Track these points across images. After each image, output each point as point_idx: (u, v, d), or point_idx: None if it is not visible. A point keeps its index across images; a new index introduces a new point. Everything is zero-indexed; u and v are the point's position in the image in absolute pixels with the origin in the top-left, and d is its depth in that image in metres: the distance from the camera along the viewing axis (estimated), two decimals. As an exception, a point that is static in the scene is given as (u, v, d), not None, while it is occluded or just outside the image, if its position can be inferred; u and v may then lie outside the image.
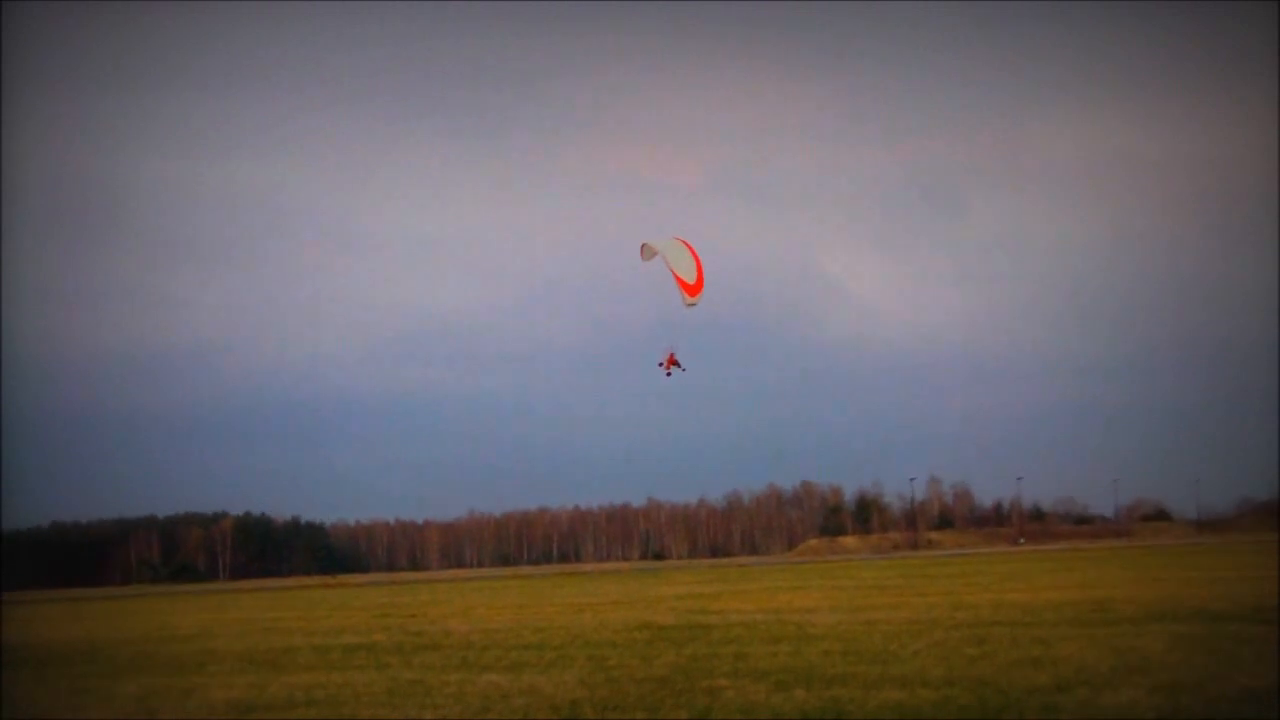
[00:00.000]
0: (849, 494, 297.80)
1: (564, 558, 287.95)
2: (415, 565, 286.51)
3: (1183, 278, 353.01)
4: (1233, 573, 55.89)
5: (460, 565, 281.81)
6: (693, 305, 35.89)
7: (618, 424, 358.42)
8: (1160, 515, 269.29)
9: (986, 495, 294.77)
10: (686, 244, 36.33)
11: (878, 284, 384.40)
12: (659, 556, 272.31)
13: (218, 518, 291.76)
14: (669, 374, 40.87)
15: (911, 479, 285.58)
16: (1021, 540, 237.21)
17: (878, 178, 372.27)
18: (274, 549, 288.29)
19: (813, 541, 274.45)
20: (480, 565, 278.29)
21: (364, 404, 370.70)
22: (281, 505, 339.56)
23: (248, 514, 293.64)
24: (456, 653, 29.61)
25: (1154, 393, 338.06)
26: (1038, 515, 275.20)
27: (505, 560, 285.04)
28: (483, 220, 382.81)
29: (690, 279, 35.63)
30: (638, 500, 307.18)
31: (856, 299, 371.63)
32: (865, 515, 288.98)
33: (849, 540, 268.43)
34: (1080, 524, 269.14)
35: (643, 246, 37.14)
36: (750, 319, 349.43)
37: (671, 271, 35.94)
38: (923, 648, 25.27)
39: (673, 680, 21.67)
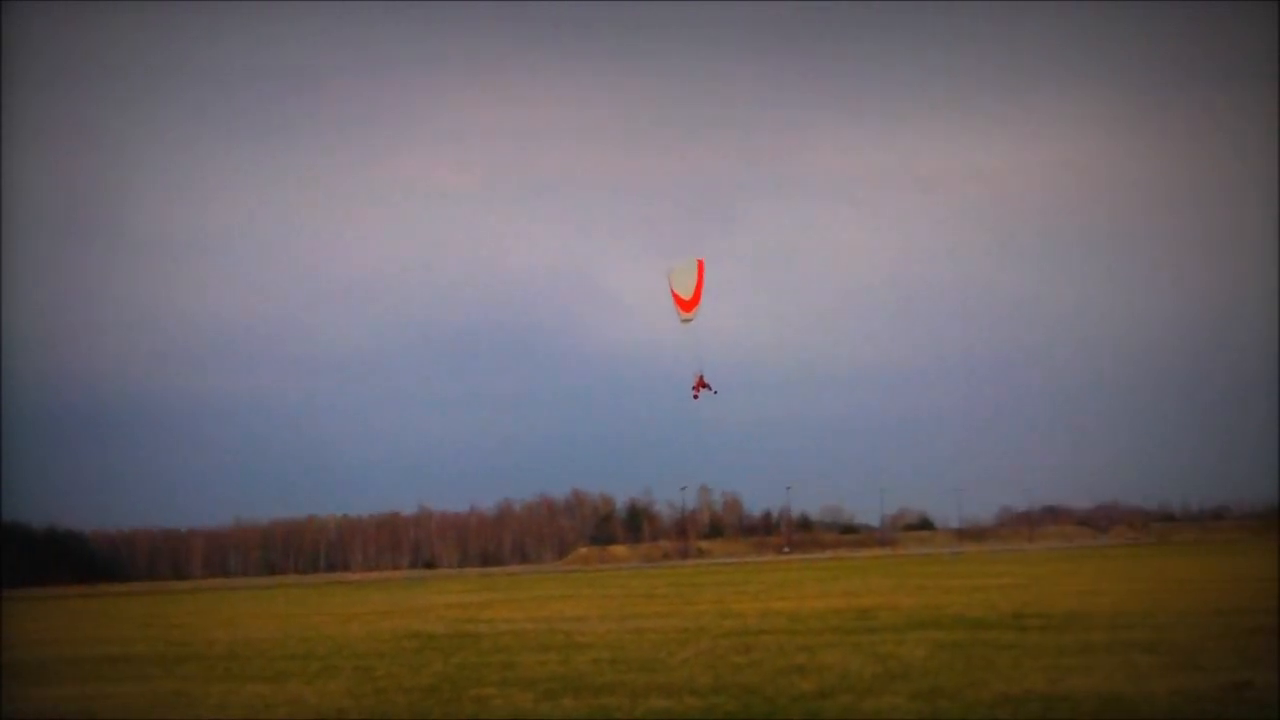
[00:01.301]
0: (620, 503, 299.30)
1: (332, 567, 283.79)
2: (178, 574, 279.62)
3: (959, 289, 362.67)
4: (992, 580, 57.51)
5: (225, 574, 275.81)
6: (687, 321, 36.14)
7: (388, 431, 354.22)
8: (924, 524, 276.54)
9: (756, 505, 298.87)
10: (700, 264, 36.56)
11: (652, 293, 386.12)
12: (429, 565, 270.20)
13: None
14: (696, 397, 39.92)
15: (682, 488, 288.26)
16: (786, 549, 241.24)
17: (655, 186, 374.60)
18: (30, 558, 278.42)
19: (583, 550, 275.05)
20: (246, 574, 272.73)
21: (126, 409, 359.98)
22: (38, 512, 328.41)
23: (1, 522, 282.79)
24: (220, 663, 29.01)
25: (918, 404, 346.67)
26: (805, 524, 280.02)
27: (271, 569, 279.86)
28: (252, 221, 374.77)
29: (686, 295, 35.92)
30: (408, 508, 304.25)
31: (631, 307, 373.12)
32: (636, 524, 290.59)
33: (619, 549, 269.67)
34: (847, 533, 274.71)
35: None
36: (523, 326, 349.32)
37: (671, 288, 36.18)
38: (690, 656, 25.39)
39: (440, 689, 21.50)
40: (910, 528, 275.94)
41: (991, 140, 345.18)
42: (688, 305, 35.99)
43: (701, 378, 39.99)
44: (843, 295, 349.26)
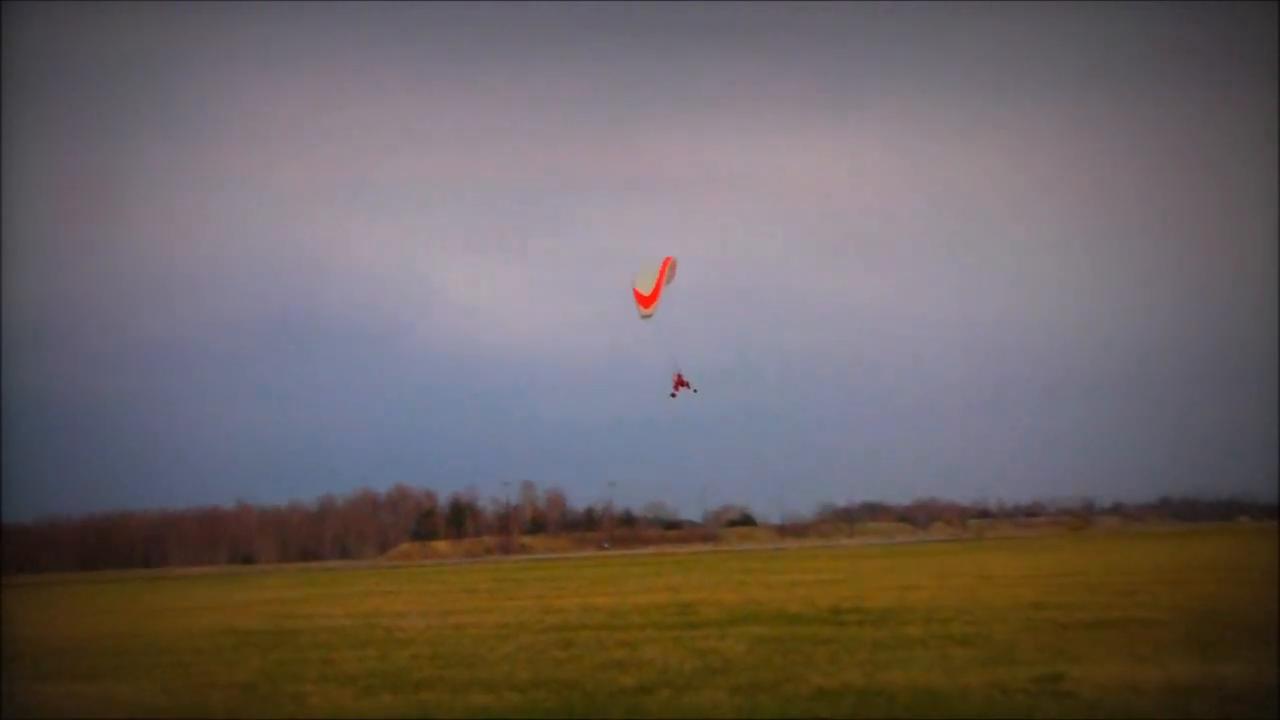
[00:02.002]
0: (443, 498, 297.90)
1: (149, 562, 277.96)
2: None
3: (780, 291, 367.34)
4: (811, 576, 58.10)
5: (37, 571, 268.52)
6: (646, 317, 36.09)
7: (206, 423, 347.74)
8: (746, 521, 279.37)
9: (580, 500, 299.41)
10: (667, 261, 36.82)
11: (479, 291, 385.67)
12: (248, 560, 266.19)
13: None
14: (674, 395, 39.86)
15: (505, 483, 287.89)
16: (606, 545, 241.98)
17: (482, 185, 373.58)
18: None
19: (405, 546, 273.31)
20: (60, 571, 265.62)
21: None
22: None
23: None
24: (31, 662, 28.13)
25: (740, 402, 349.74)
26: (628, 520, 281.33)
27: (85, 565, 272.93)
28: (67, 213, 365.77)
29: (645, 291, 35.97)
30: (227, 503, 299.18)
31: (457, 306, 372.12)
32: (459, 520, 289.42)
33: (441, 545, 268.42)
34: (670, 529, 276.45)
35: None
36: (346, 320, 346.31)
37: (633, 286, 36.27)
38: (511, 651, 25.18)
39: (258, 686, 21.11)
40: (733, 524, 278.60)
41: (822, 146, 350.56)
42: (647, 301, 35.99)
43: (680, 376, 39.63)
44: (665, 297, 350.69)
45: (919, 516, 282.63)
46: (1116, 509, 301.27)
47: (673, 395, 39.52)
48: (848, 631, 26.75)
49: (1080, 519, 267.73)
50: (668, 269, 36.91)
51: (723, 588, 49.45)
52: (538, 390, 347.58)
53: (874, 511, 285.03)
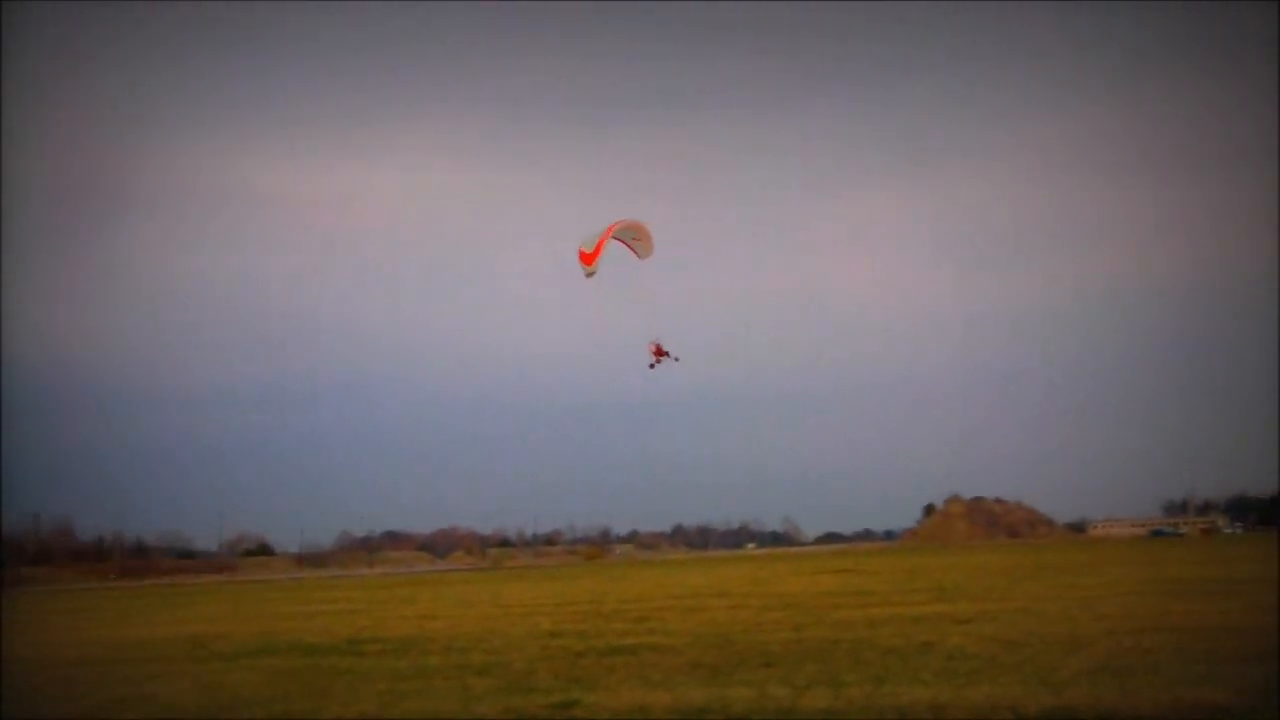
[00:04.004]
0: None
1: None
2: None
3: (292, 314, 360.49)
4: (329, 606, 57.24)
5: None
6: (590, 274, 35.08)
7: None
8: (264, 550, 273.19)
9: (89, 530, 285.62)
10: (619, 225, 36.50)
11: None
12: None
13: None
14: (658, 362, 37.55)
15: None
16: (113, 576, 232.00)
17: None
18: None
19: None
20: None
21: None
22: None
23: None
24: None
25: (263, 427, 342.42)
26: (141, 550, 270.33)
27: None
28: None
29: (589, 249, 35.24)
30: None
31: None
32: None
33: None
34: (185, 558, 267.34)
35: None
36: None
37: (579, 249, 35.53)
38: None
39: None
40: (250, 553, 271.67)
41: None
42: (588, 259, 35.14)
43: (659, 346, 37.65)
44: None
45: (439, 545, 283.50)
46: (632, 536, 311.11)
47: (651, 367, 37.85)
48: (366, 662, 26.41)
49: (596, 547, 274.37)
50: (617, 229, 36.43)
51: (236, 619, 48.10)
52: (41, 412, 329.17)
53: (394, 540, 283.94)
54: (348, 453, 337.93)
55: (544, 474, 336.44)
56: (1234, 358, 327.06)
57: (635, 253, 37.75)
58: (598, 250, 35.53)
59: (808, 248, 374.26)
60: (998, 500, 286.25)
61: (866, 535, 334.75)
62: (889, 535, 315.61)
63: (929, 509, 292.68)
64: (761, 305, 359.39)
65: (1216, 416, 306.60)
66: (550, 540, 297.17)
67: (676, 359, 38.02)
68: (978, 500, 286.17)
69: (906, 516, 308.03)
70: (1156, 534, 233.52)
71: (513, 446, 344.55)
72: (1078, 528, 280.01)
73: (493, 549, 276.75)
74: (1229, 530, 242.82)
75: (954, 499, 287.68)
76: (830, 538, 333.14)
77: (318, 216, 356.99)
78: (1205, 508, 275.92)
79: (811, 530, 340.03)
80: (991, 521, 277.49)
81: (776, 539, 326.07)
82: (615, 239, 36.83)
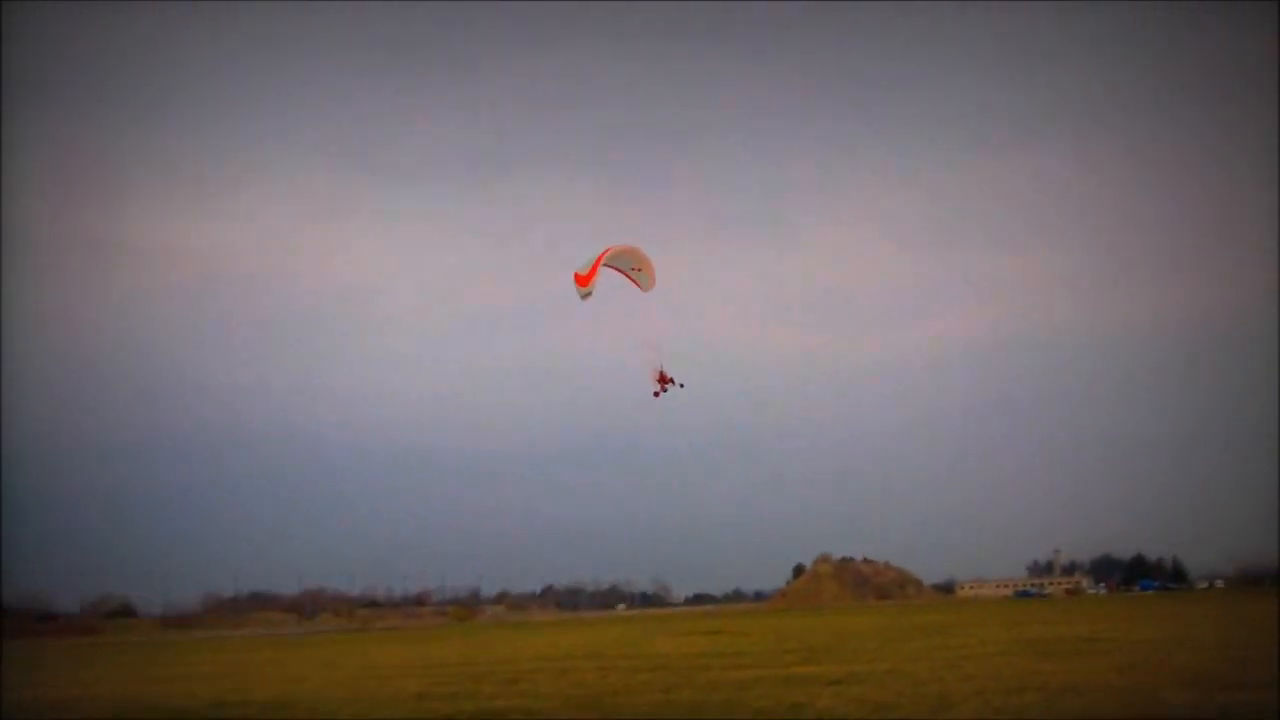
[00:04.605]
0: None
1: None
2: None
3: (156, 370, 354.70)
4: (194, 669, 56.21)
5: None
6: (585, 296, 35.10)
7: None
8: (126, 611, 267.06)
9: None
10: (615, 250, 36.37)
11: None
12: None
13: None
14: (663, 390, 36.94)
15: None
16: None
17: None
18: None
19: None
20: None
21: None
22: None
23: None
24: None
25: (114, 484, 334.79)
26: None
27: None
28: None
29: (584, 272, 35.16)
30: None
31: None
32: None
33: None
34: (44, 621, 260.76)
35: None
36: None
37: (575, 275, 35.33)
38: None
39: None
40: (112, 614, 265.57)
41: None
42: (583, 280, 35.16)
43: (663, 373, 36.79)
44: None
45: (307, 606, 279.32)
46: (502, 597, 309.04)
47: (656, 395, 37.20)
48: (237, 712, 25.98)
49: (466, 608, 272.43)
50: (611, 255, 36.30)
51: (96, 683, 47.06)
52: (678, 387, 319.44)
53: (261, 601, 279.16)
54: (214, 511, 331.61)
55: (413, 533, 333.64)
56: (1098, 420, 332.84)
57: (637, 284, 37.47)
58: (593, 272, 35.45)
59: (672, 302, 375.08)
60: (866, 561, 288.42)
61: (737, 596, 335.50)
62: (759, 596, 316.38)
63: (798, 569, 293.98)
64: (629, 364, 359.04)
65: (1081, 479, 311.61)
66: (419, 601, 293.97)
67: (681, 385, 37.50)
68: (846, 561, 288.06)
69: (776, 577, 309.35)
70: (1022, 595, 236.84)
71: (382, 505, 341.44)
72: (945, 588, 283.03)
73: (361, 610, 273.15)
74: (1093, 591, 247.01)
75: (823, 559, 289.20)
76: (701, 598, 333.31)
77: (181, 268, 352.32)
78: (1070, 568, 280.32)
79: (682, 591, 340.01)
80: (860, 582, 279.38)
81: (647, 600, 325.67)
82: (612, 267, 36.76)
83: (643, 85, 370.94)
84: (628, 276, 37.37)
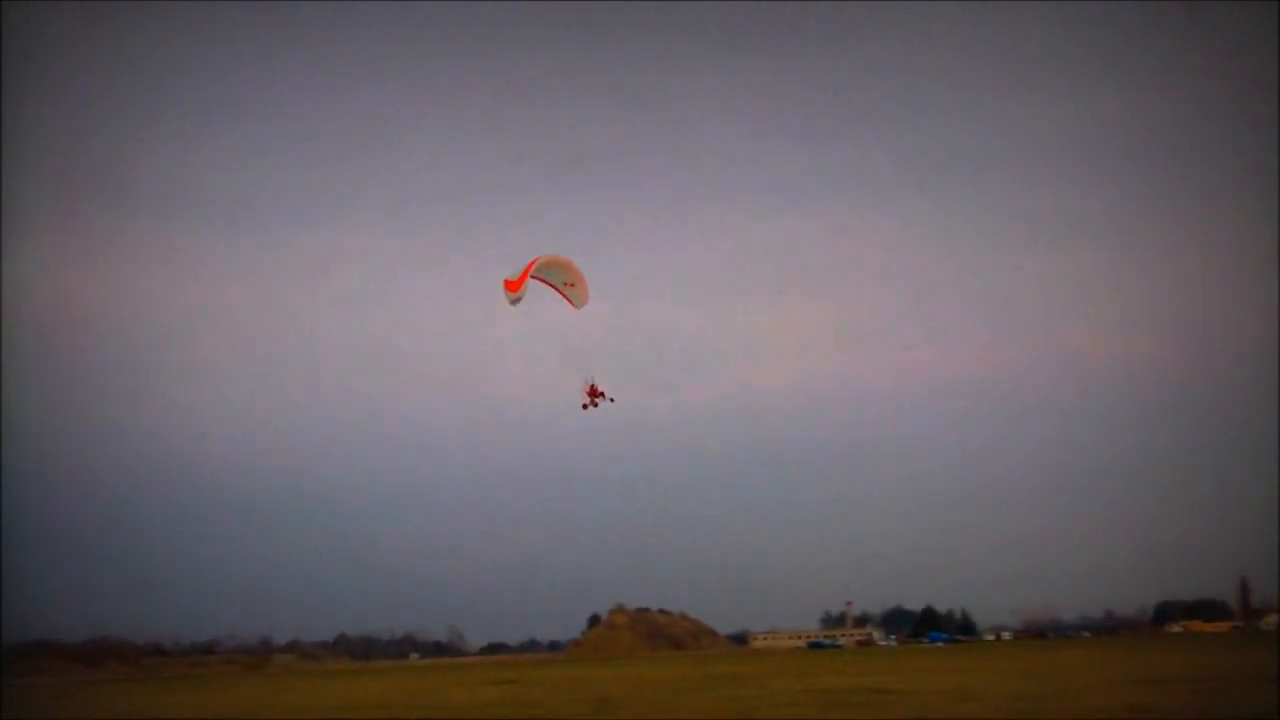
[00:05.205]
0: None
1: None
2: None
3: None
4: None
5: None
6: (515, 301, 34.74)
7: None
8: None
9: None
10: (545, 260, 36.04)
11: None
12: None
13: None
14: (594, 405, 35.88)
15: None
16: None
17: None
18: None
19: None
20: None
21: None
22: None
23: None
24: None
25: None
26: None
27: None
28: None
29: (514, 279, 34.83)
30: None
31: None
32: None
33: None
34: None
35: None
36: None
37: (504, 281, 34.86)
38: None
39: None
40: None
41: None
42: (513, 286, 34.88)
43: (593, 386, 35.89)
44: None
45: (90, 655, 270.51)
46: (293, 646, 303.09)
47: (585, 408, 36.34)
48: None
49: (259, 658, 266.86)
50: (542, 264, 35.99)
51: None
52: (609, 401, 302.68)
53: (45, 649, 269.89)
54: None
55: (200, 578, 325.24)
56: (890, 474, 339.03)
57: (569, 301, 36.69)
58: (523, 278, 35.03)
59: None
60: (662, 611, 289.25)
61: (532, 645, 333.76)
62: (554, 646, 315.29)
63: (594, 619, 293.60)
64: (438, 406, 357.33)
65: (873, 533, 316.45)
66: (208, 649, 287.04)
67: (612, 400, 36.92)
68: (642, 611, 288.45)
69: (571, 627, 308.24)
70: (815, 646, 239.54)
71: (169, 548, 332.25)
72: (740, 639, 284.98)
73: (148, 658, 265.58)
74: (884, 642, 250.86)
75: (618, 609, 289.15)
76: (495, 648, 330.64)
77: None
78: (862, 620, 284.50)
79: (477, 640, 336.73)
80: (656, 632, 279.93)
81: (441, 649, 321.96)
82: (541, 280, 36.35)
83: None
84: (559, 292, 36.85)
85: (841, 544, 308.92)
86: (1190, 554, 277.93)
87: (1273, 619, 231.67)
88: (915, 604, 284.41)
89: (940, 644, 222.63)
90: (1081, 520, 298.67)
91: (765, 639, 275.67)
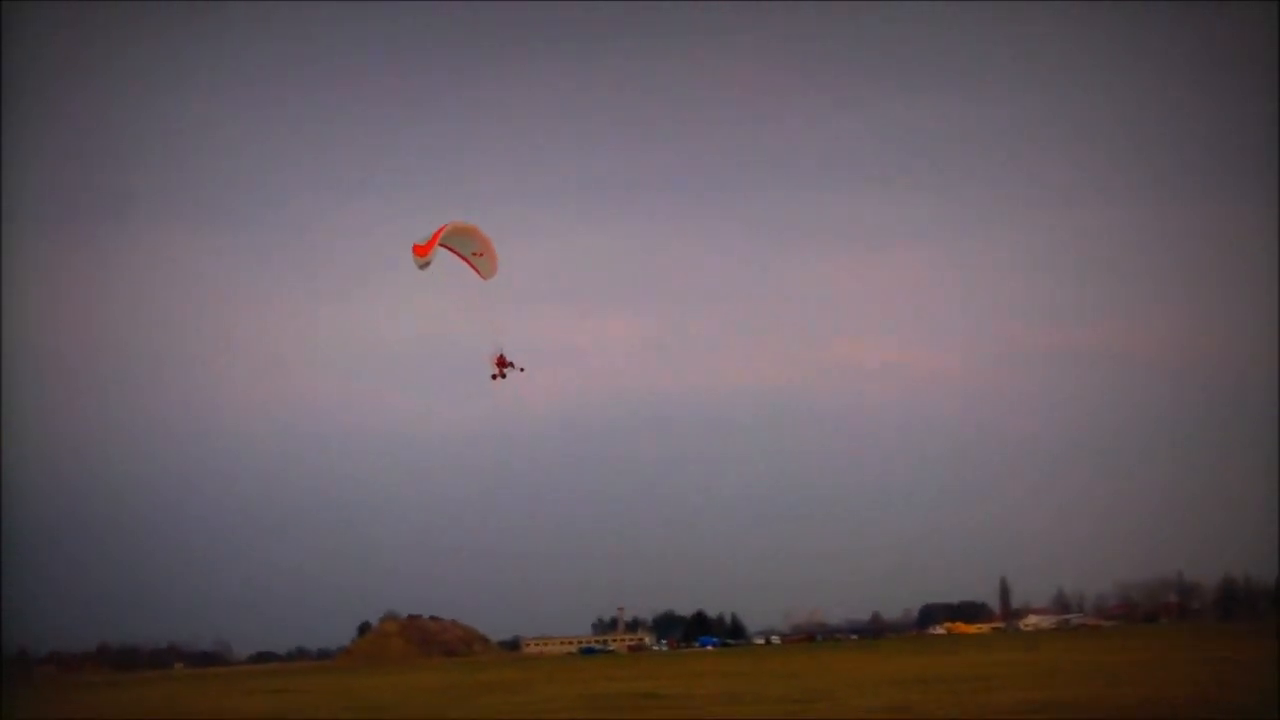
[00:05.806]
0: None
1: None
2: None
3: None
4: None
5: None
6: (423, 266, 34.21)
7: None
8: None
9: None
10: (453, 226, 35.40)
11: None
12: None
13: None
14: (501, 376, 35.02)
15: None
16: None
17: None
18: None
19: None
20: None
21: None
22: None
23: None
24: None
25: None
26: None
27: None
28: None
29: (422, 244, 34.31)
30: None
31: None
32: None
33: None
34: None
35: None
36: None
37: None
38: None
39: None
40: None
41: None
42: (421, 250, 34.29)
43: (502, 356, 35.22)
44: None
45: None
46: (53, 657, 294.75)
47: (494, 378, 35.40)
48: None
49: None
50: (450, 231, 35.30)
51: None
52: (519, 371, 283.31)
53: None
54: None
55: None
56: (654, 480, 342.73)
57: (478, 271, 35.89)
58: (431, 243, 34.44)
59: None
60: (433, 618, 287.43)
61: (300, 654, 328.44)
62: (323, 654, 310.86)
63: (364, 627, 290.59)
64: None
65: (644, 537, 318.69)
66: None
67: (522, 369, 36.15)
68: (413, 618, 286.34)
69: (341, 635, 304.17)
70: (587, 651, 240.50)
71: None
72: (512, 645, 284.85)
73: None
74: (655, 647, 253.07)
75: (389, 617, 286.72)
76: (264, 656, 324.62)
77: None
78: (633, 625, 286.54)
79: (244, 649, 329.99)
80: (427, 640, 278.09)
81: (207, 658, 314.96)
82: (449, 249, 35.77)
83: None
84: (467, 262, 36.28)
85: (613, 550, 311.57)
86: (953, 557, 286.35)
87: (1032, 620, 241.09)
88: (686, 609, 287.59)
89: (711, 648, 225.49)
90: (847, 527, 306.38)
91: (537, 645, 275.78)
